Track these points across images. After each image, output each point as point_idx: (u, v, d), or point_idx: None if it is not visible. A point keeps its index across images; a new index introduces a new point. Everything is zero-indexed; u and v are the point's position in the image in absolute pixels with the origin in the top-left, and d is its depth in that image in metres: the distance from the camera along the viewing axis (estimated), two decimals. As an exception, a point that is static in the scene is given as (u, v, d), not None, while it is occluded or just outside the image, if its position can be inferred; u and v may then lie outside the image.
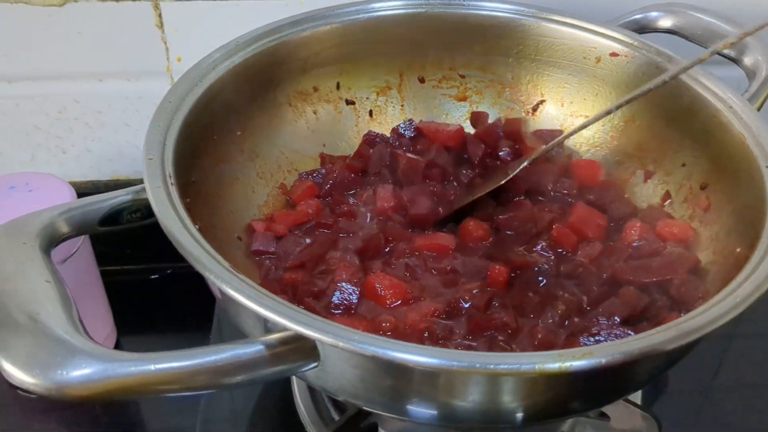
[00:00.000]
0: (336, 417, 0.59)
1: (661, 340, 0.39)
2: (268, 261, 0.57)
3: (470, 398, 0.42)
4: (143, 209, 0.49)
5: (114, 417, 0.68)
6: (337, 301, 0.52)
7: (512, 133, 0.67)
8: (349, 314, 0.52)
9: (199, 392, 0.39)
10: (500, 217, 0.60)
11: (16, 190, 0.64)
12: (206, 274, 0.41)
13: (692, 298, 0.52)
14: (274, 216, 0.60)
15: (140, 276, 0.81)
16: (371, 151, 0.66)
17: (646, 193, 0.63)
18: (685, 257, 0.55)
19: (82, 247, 0.65)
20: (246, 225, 0.59)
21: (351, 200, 0.63)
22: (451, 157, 0.66)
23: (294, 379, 0.64)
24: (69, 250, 0.63)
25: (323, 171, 0.65)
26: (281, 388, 0.65)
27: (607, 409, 0.57)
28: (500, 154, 0.66)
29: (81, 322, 0.38)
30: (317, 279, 0.54)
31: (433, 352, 0.37)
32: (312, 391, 0.62)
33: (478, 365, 0.37)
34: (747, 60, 0.62)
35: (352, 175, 0.64)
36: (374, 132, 0.68)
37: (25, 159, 0.78)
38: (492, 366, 0.36)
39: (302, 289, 0.53)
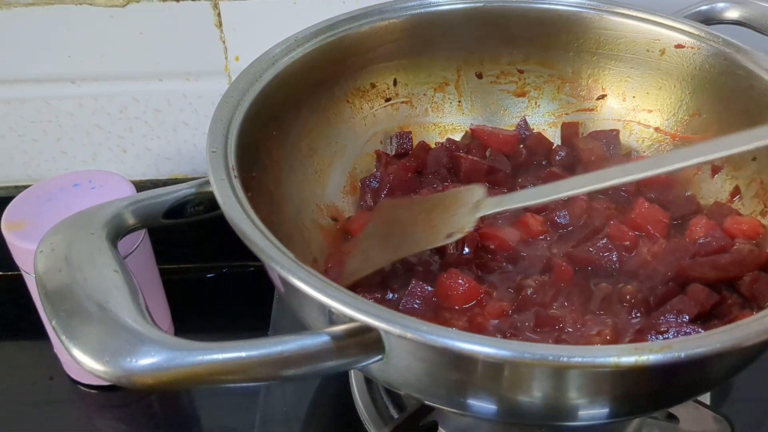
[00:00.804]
0: (395, 415, 0.58)
1: (743, 335, 0.37)
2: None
3: (535, 393, 0.40)
4: (206, 202, 0.49)
5: (171, 415, 0.69)
6: (409, 304, 0.52)
7: (568, 138, 0.67)
8: (422, 315, 0.51)
9: (261, 383, 0.39)
10: (557, 213, 0.59)
11: (79, 188, 0.65)
12: (272, 265, 0.41)
13: (764, 295, 0.50)
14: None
15: (198, 274, 0.82)
16: (429, 152, 0.66)
17: (714, 188, 0.61)
18: (756, 254, 0.53)
19: (142, 244, 0.66)
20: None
21: None
22: (508, 161, 0.65)
23: (352, 375, 0.63)
24: (129, 247, 0.64)
25: (378, 174, 0.64)
26: (338, 386, 0.64)
27: (676, 410, 0.55)
28: (556, 159, 0.65)
29: (148, 311, 0.39)
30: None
31: (504, 344, 0.36)
32: (370, 389, 0.61)
33: (550, 358, 0.35)
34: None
35: (409, 174, 0.64)
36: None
37: (87, 158, 0.79)
38: (565, 359, 0.35)
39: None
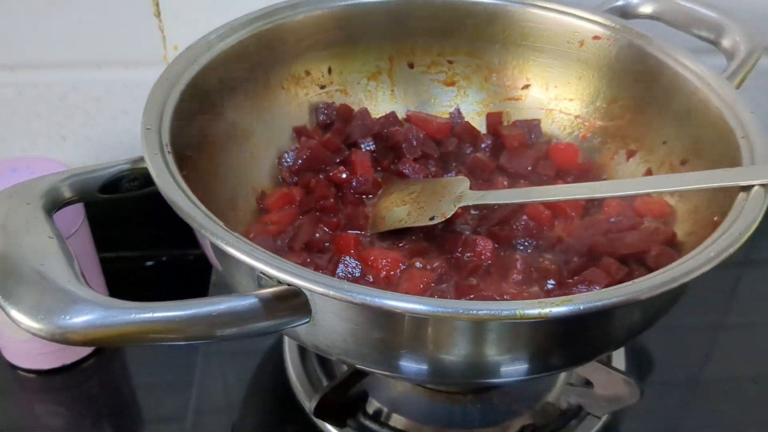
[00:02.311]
0: (326, 384, 0.60)
1: (637, 289, 0.41)
2: None
3: (455, 350, 0.43)
4: (141, 178, 0.50)
5: (110, 398, 0.70)
6: (341, 275, 0.54)
7: (493, 127, 0.71)
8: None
9: (194, 342, 0.40)
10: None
11: (17, 173, 0.66)
12: (202, 232, 0.43)
13: None
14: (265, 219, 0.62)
15: (137, 262, 0.83)
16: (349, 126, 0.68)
17: (629, 171, 0.65)
18: (661, 231, 0.57)
19: (81, 228, 0.67)
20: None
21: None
22: (438, 148, 0.69)
23: (287, 350, 0.65)
24: (68, 230, 0.65)
25: (294, 149, 0.66)
26: (274, 363, 0.66)
27: (590, 375, 0.59)
28: (482, 146, 0.69)
29: (83, 274, 0.40)
30: (317, 258, 0.57)
31: (419, 300, 0.39)
32: (304, 362, 0.63)
33: (461, 311, 0.38)
34: (725, 42, 0.65)
35: (327, 150, 0.66)
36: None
37: (26, 145, 0.80)
38: (474, 311, 0.38)
39: None
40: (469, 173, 0.66)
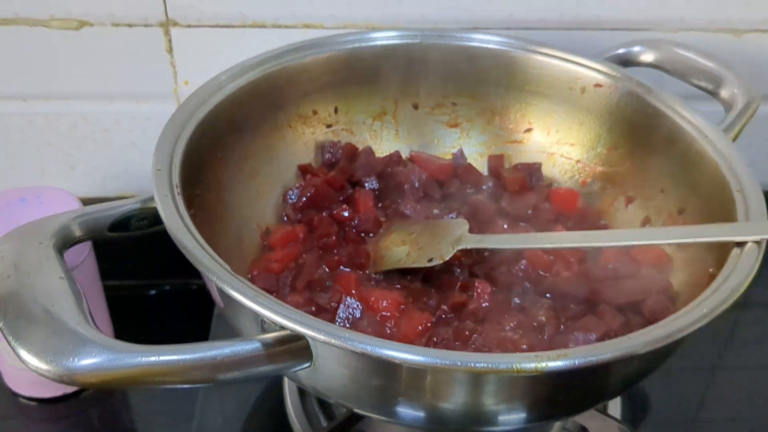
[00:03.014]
0: (325, 424, 0.61)
1: (633, 344, 0.41)
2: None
3: (453, 399, 0.44)
4: (150, 217, 0.52)
5: (109, 429, 0.70)
6: (342, 316, 0.55)
7: (494, 169, 0.72)
8: (355, 328, 0.55)
9: (196, 385, 0.41)
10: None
11: (26, 203, 0.66)
12: (208, 275, 0.44)
13: (663, 317, 0.55)
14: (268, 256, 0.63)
15: (140, 291, 0.84)
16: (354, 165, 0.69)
17: (627, 218, 0.66)
18: (657, 279, 0.58)
19: (87, 258, 0.68)
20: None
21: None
22: (440, 189, 0.70)
23: (286, 389, 0.66)
24: (75, 261, 0.66)
25: (298, 187, 0.67)
26: (274, 399, 0.67)
27: (586, 422, 0.59)
28: (483, 188, 0.70)
29: (91, 315, 0.41)
30: (318, 298, 0.58)
31: (418, 350, 0.40)
32: (303, 399, 0.64)
33: (459, 363, 0.39)
34: (724, 93, 0.66)
35: (331, 188, 0.67)
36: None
37: (35, 174, 0.81)
38: (472, 364, 0.39)
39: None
40: (470, 214, 0.67)
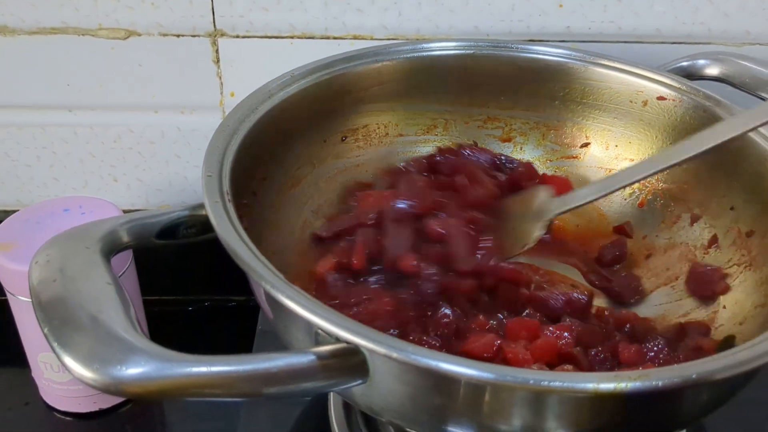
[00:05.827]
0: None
1: (716, 367, 0.38)
2: None
3: (515, 421, 0.41)
4: (198, 225, 0.50)
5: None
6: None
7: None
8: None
9: (242, 399, 0.39)
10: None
11: (69, 213, 0.66)
12: (261, 283, 0.41)
13: None
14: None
15: (179, 307, 0.83)
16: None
17: (693, 236, 0.63)
18: None
19: (128, 271, 0.66)
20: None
21: None
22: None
23: (331, 406, 0.63)
24: (115, 272, 0.64)
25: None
26: (318, 418, 0.65)
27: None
28: None
29: (139, 323, 0.39)
30: None
31: (487, 367, 0.37)
32: (349, 420, 0.61)
33: (531, 381, 0.36)
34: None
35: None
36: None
37: (77, 185, 0.80)
38: (546, 383, 0.36)
39: None
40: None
